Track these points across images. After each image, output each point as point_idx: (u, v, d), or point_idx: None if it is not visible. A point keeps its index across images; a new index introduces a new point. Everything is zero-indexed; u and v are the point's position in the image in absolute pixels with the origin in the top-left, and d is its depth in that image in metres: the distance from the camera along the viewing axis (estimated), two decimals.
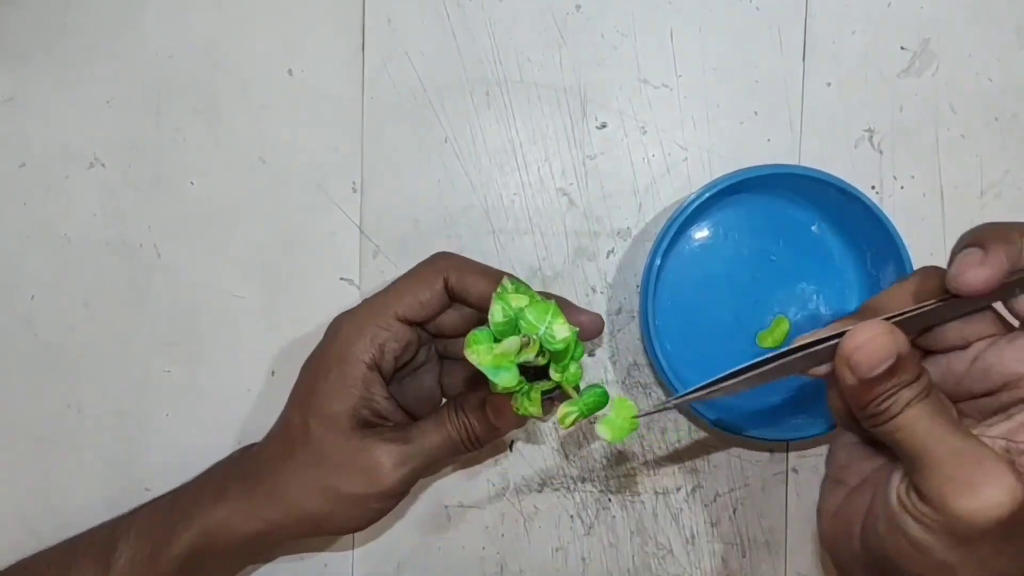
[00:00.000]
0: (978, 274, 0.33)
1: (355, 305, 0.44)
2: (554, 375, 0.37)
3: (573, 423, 0.37)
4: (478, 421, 0.42)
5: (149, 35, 0.49)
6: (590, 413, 0.37)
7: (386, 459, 0.41)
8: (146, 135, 0.49)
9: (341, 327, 0.43)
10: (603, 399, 0.38)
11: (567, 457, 0.51)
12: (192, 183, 0.50)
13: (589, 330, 0.42)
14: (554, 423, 0.50)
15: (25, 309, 0.50)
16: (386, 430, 0.42)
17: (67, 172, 0.49)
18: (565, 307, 0.41)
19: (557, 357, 0.36)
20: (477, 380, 0.40)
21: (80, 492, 0.50)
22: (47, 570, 0.44)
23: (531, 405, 0.38)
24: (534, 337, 0.35)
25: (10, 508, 0.50)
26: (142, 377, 0.50)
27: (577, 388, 0.38)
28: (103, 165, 0.50)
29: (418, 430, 0.42)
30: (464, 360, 0.37)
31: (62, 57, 0.49)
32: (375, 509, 0.43)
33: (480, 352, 0.34)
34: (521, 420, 0.41)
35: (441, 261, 0.43)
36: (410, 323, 0.43)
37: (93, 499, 0.50)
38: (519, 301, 0.35)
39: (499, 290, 0.35)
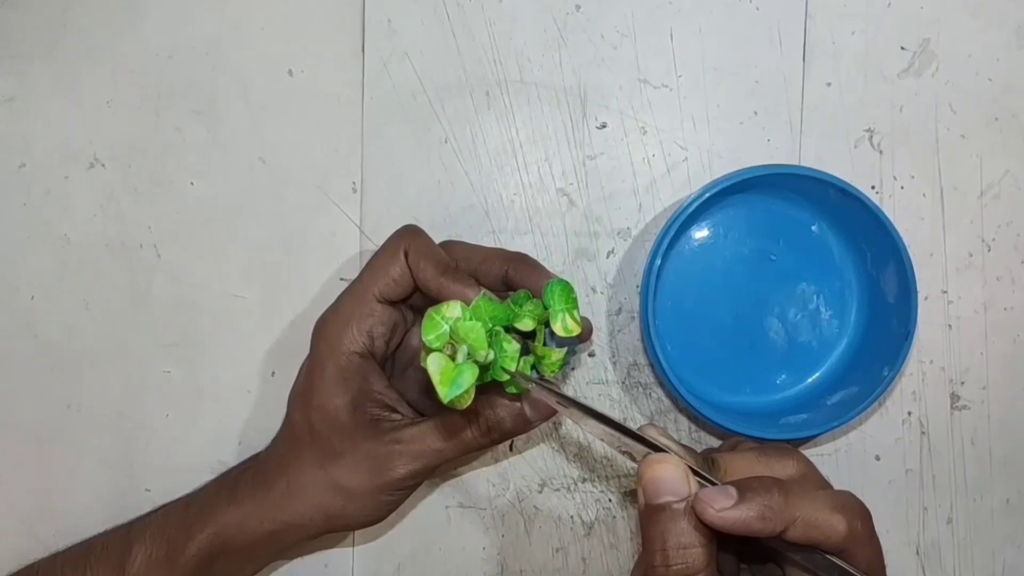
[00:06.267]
0: (714, 513, 0.34)
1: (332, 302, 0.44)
2: (527, 326, 0.39)
3: (576, 320, 0.39)
4: (508, 413, 0.41)
5: (149, 35, 0.49)
6: (571, 303, 0.39)
7: (392, 456, 0.41)
8: (146, 135, 0.49)
9: (326, 324, 0.43)
10: (564, 286, 0.39)
11: (567, 457, 0.51)
12: (192, 183, 0.50)
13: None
14: (555, 424, 0.50)
15: (25, 310, 0.50)
16: (393, 422, 0.42)
17: (67, 172, 0.49)
18: (534, 269, 0.42)
19: (508, 318, 0.38)
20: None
21: (80, 492, 0.50)
22: (62, 572, 0.44)
23: (550, 356, 0.39)
24: (450, 338, 0.36)
25: (10, 508, 0.50)
26: (142, 377, 0.50)
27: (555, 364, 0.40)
28: (103, 165, 0.50)
29: (427, 428, 0.41)
30: None
31: (62, 58, 0.49)
32: (387, 502, 0.42)
33: (428, 367, 0.35)
34: (553, 410, 0.41)
35: (404, 234, 0.43)
36: (391, 302, 0.42)
37: (93, 499, 0.50)
38: (451, 311, 0.36)
39: (430, 311, 0.36)
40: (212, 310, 0.50)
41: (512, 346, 0.37)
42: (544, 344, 0.40)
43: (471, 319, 0.36)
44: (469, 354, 0.35)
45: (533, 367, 0.40)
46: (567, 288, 0.39)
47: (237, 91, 0.49)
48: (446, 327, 0.36)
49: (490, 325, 0.37)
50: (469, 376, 0.35)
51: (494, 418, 0.41)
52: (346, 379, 0.42)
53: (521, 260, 0.43)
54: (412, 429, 0.41)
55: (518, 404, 0.41)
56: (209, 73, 0.49)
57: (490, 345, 0.36)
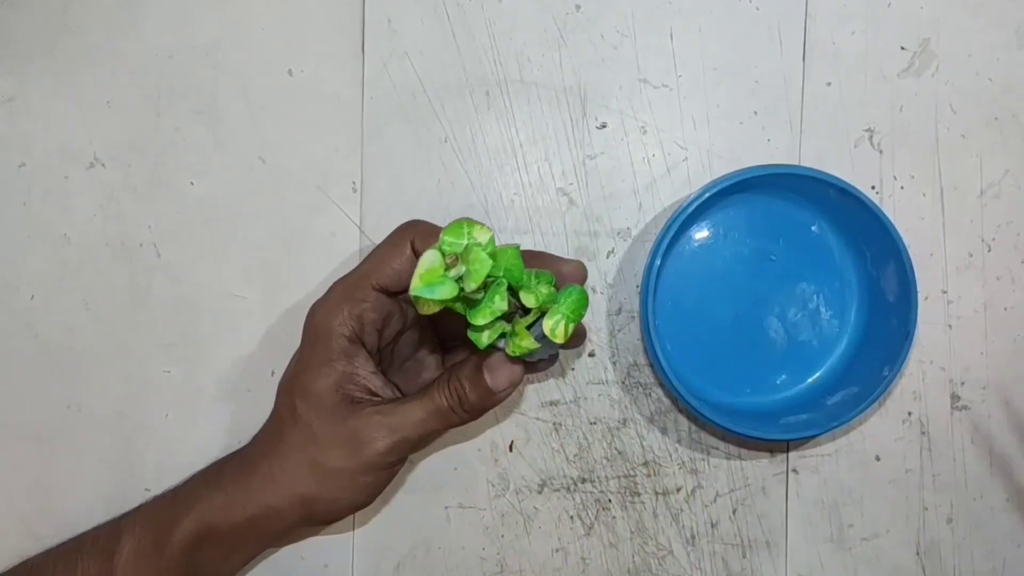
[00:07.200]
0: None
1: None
2: (529, 302, 0.38)
3: (566, 332, 0.37)
4: (472, 385, 0.41)
5: (149, 35, 0.49)
6: (577, 315, 0.38)
7: (370, 429, 0.41)
8: (146, 135, 0.49)
9: (317, 308, 0.43)
10: (581, 296, 0.38)
11: (567, 457, 0.50)
12: (192, 183, 0.50)
13: (574, 276, 0.42)
14: (555, 424, 0.50)
15: (25, 309, 0.50)
16: (372, 402, 0.42)
17: (67, 172, 0.49)
18: (550, 259, 0.42)
19: (520, 282, 0.37)
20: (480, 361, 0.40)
21: (80, 492, 0.50)
22: (55, 567, 0.44)
23: (522, 339, 0.38)
24: (460, 253, 0.35)
25: (10, 508, 0.50)
26: (142, 377, 0.50)
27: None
28: (103, 165, 0.50)
29: (406, 401, 0.41)
30: (465, 342, 0.38)
31: (62, 57, 0.49)
32: (365, 484, 0.42)
33: (422, 257, 0.35)
34: (515, 377, 0.41)
35: (410, 227, 0.43)
36: (389, 293, 0.42)
37: (93, 499, 0.50)
38: (481, 235, 0.36)
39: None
40: (212, 310, 0.50)
41: (500, 303, 0.36)
42: (529, 328, 0.39)
43: (490, 254, 0.35)
44: (462, 278, 0.35)
45: (502, 335, 0.39)
46: (583, 300, 0.38)
47: (237, 91, 0.49)
48: (465, 243, 0.35)
49: (500, 275, 0.36)
50: (446, 291, 0.34)
51: (459, 387, 0.41)
52: (331, 360, 0.42)
53: (529, 254, 0.43)
54: (389, 404, 0.41)
55: (481, 375, 0.41)
56: (209, 73, 0.49)
57: (484, 288, 0.36)
